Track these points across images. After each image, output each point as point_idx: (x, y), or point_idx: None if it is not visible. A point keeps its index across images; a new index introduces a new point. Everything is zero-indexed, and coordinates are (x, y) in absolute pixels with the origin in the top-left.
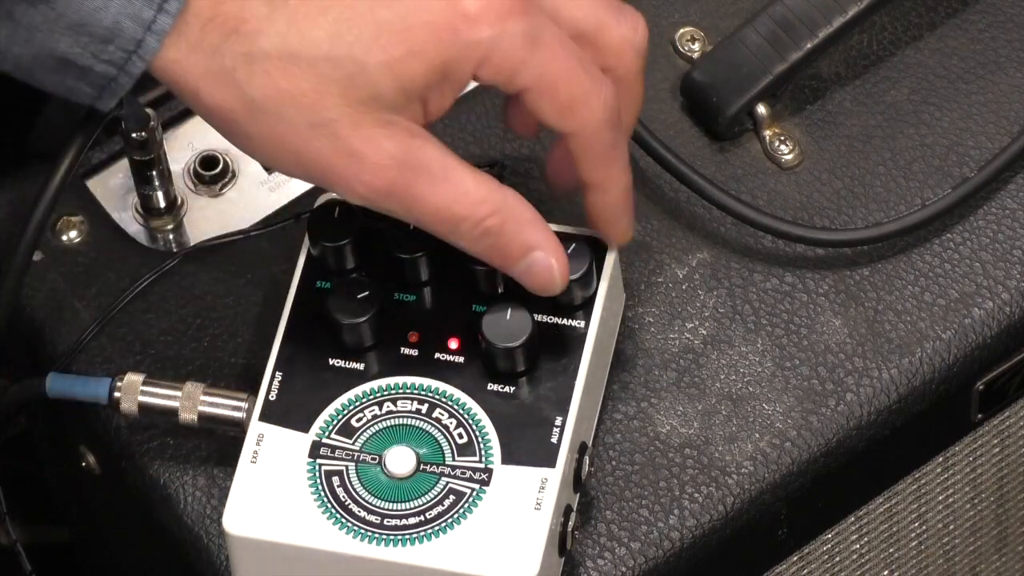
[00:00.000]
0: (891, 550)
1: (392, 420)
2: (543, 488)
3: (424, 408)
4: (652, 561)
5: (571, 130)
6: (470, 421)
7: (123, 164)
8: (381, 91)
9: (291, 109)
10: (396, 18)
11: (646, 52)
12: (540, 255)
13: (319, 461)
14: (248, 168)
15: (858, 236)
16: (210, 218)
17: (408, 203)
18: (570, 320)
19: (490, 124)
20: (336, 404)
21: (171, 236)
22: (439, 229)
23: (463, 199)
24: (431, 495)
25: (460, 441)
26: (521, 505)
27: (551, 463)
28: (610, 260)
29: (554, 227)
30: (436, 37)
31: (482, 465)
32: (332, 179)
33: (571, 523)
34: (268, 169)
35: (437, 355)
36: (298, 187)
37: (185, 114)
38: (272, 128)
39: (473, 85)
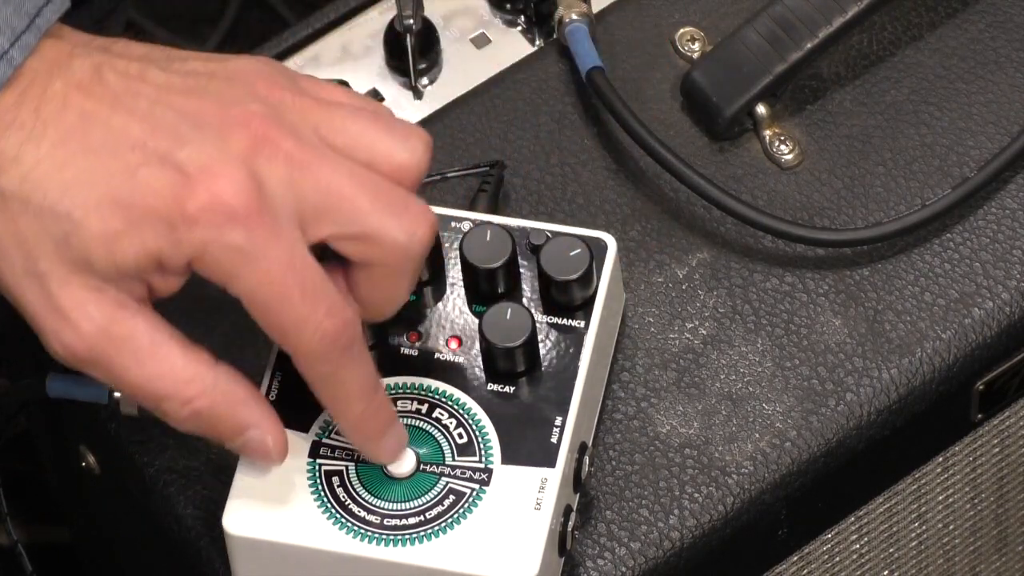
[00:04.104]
0: (891, 550)
1: None
2: (543, 488)
3: (424, 408)
4: (652, 561)
5: (286, 350)
6: (470, 421)
7: None
8: (92, 260)
9: (13, 251)
10: (125, 193)
11: (420, 254)
12: (255, 434)
13: (319, 461)
14: None
15: (858, 236)
16: None
17: (109, 373)
18: (570, 320)
19: (490, 124)
20: None
21: None
22: (145, 403)
23: (168, 376)
24: (431, 495)
25: (460, 441)
26: (521, 505)
27: (551, 463)
28: (610, 260)
29: (554, 227)
30: (153, 225)
31: (482, 465)
32: (39, 331)
33: (571, 523)
34: None
35: (437, 355)
36: None
37: None
38: None
39: (480, 81)
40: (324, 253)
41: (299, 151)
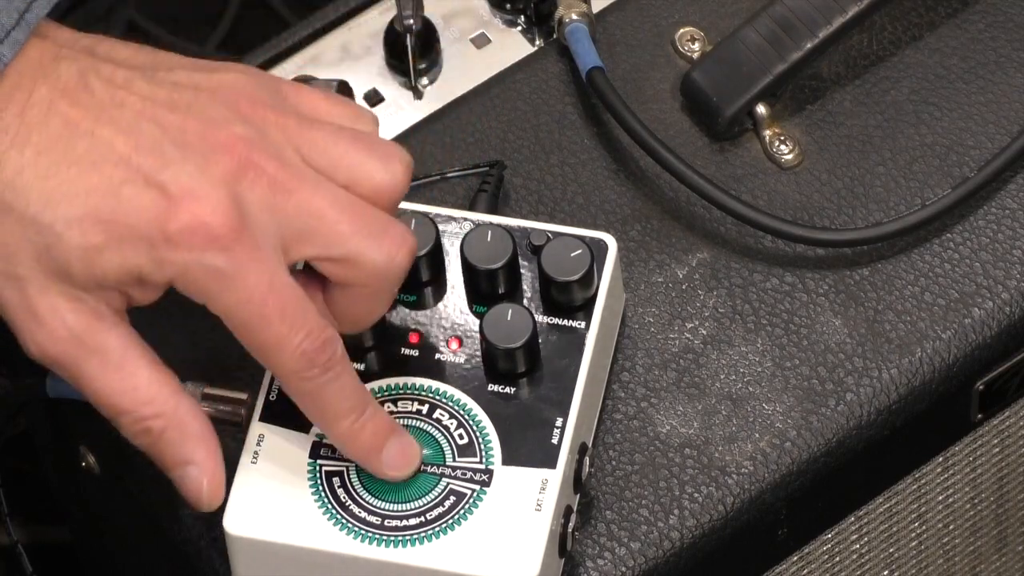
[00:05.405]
0: (891, 550)
1: None
2: (543, 489)
3: (424, 409)
4: (652, 561)
5: (267, 368)
6: (470, 422)
7: None
8: (72, 272)
9: None
10: (106, 207)
11: (398, 276)
12: (194, 471)
13: (319, 461)
14: None
15: (858, 236)
16: None
17: (75, 378)
18: (570, 320)
19: (490, 124)
20: None
21: None
22: (103, 413)
23: (129, 393)
24: (431, 496)
25: (461, 442)
26: (521, 506)
27: (551, 464)
28: (610, 260)
29: (554, 227)
30: (134, 243)
31: (482, 466)
32: (15, 329)
33: (571, 524)
34: None
35: (437, 355)
36: None
37: None
38: None
39: (480, 81)
40: (304, 266)
41: (282, 174)
